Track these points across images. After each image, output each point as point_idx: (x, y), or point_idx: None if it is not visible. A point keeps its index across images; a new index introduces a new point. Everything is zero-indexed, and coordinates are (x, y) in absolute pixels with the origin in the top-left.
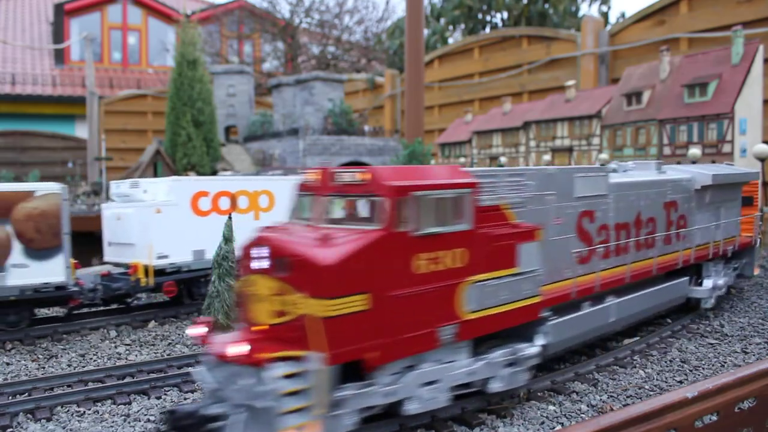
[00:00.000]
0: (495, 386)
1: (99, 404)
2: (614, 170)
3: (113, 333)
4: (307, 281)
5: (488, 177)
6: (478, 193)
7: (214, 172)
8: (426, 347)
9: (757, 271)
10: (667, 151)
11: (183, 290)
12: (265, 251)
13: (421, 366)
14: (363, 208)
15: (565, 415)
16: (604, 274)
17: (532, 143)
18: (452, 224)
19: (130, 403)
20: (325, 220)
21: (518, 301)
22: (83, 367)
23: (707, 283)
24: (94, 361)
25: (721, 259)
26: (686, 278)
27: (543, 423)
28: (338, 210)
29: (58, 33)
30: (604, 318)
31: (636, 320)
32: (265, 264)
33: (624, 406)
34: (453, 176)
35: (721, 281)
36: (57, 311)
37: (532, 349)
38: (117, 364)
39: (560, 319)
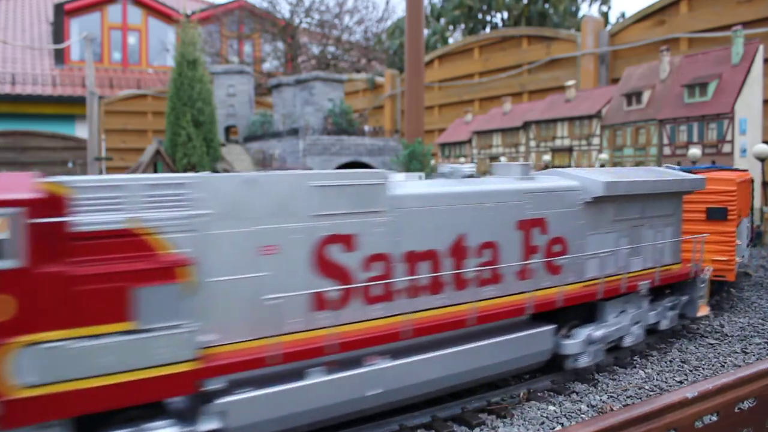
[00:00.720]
0: None
1: None
2: (413, 177)
3: None
4: None
5: (96, 189)
6: (49, 214)
7: (214, 172)
8: None
9: (704, 311)
10: (667, 151)
11: None
12: None
13: None
14: None
15: (565, 415)
16: (361, 327)
17: (532, 143)
18: None
19: None
20: None
21: (142, 369)
22: None
23: (580, 334)
24: None
25: (637, 296)
26: (549, 327)
27: (543, 423)
28: None
29: (58, 33)
30: (356, 390)
31: (448, 387)
32: None
33: (624, 406)
34: None
35: (600, 333)
36: None
37: (168, 430)
38: None
39: (243, 396)
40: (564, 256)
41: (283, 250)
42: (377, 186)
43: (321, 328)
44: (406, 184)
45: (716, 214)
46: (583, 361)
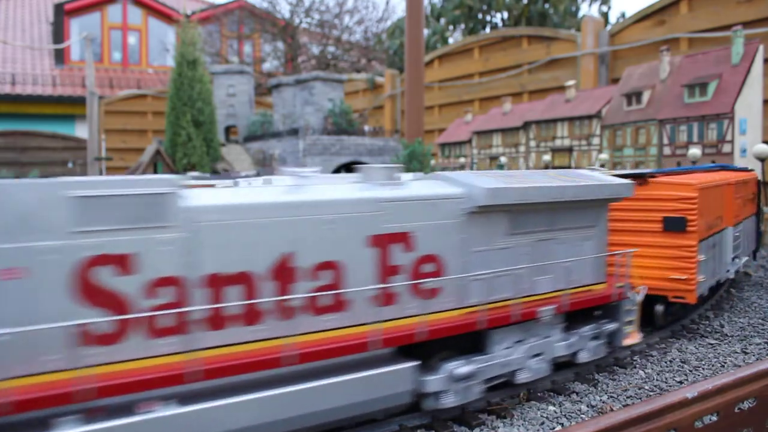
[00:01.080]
0: None
1: None
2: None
3: None
4: None
5: None
6: None
7: (214, 172)
8: None
9: (634, 339)
10: (667, 151)
11: None
12: None
13: None
14: None
15: (565, 415)
16: (137, 366)
17: (532, 143)
18: None
19: None
20: None
21: None
22: None
23: (444, 369)
24: None
25: (543, 324)
26: (407, 365)
27: (543, 423)
28: None
29: (58, 33)
30: None
31: None
32: None
33: (624, 406)
34: None
35: (467, 369)
36: None
37: None
38: None
39: None
40: (435, 278)
41: (30, 274)
42: (163, 196)
43: (81, 368)
44: (209, 193)
45: (674, 225)
46: (448, 401)
